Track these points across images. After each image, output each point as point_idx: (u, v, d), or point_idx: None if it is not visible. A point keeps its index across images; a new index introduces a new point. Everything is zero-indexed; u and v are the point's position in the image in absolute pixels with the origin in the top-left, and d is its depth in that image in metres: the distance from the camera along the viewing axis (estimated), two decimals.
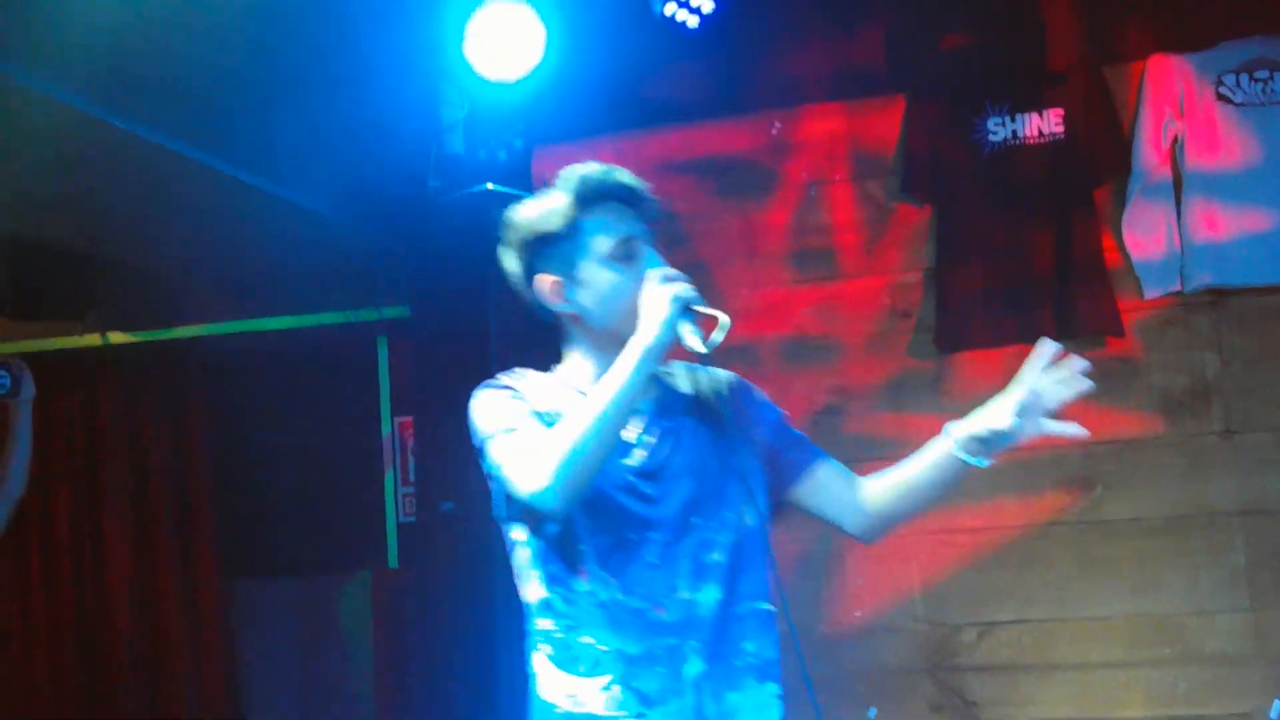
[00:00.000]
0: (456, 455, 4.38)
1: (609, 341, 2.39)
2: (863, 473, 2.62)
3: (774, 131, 4.70)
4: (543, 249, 2.44)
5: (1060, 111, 4.42)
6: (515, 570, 2.44)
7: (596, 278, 2.41)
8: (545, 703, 2.35)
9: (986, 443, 2.44)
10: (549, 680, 2.35)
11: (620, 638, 2.31)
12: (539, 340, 4.42)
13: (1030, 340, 4.29)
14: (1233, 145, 4.27)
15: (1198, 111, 4.31)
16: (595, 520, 2.34)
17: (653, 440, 2.42)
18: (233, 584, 5.60)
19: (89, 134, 3.74)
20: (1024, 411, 2.43)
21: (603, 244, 2.41)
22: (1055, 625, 4.33)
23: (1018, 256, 4.40)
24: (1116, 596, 4.29)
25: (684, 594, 2.35)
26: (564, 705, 2.33)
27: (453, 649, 4.36)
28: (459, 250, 4.42)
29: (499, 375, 2.46)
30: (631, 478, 2.38)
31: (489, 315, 4.41)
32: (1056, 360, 2.48)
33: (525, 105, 4.45)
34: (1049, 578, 4.35)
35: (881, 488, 2.52)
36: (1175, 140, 4.35)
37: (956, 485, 2.49)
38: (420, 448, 4.92)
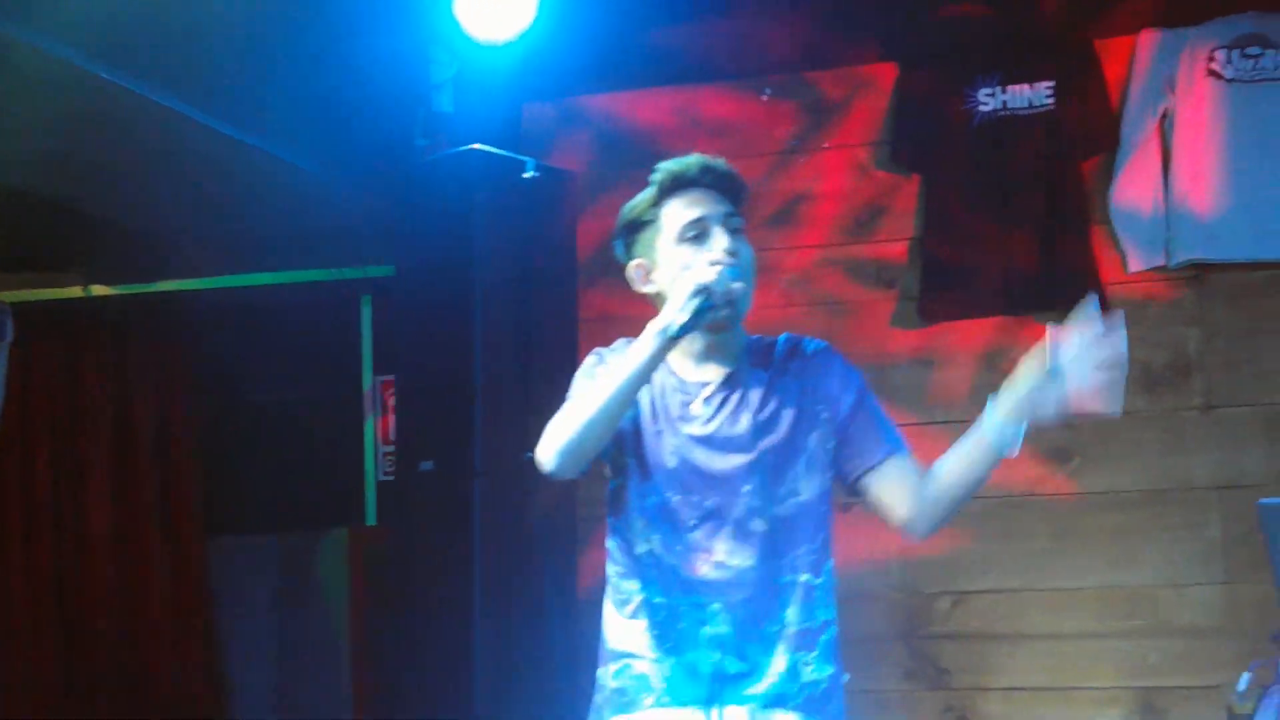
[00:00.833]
0: (437, 414, 4.41)
1: None
2: None
3: (764, 97, 4.70)
4: (631, 236, 2.60)
5: (1051, 84, 4.42)
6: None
7: (670, 259, 2.54)
8: (605, 637, 2.60)
9: (1021, 425, 2.47)
10: (608, 617, 2.59)
11: (656, 589, 2.53)
12: (522, 302, 4.45)
13: (1014, 311, 4.39)
14: (1222, 121, 4.27)
15: (1188, 87, 4.32)
16: (646, 480, 2.53)
17: (714, 409, 2.55)
18: (212, 539, 5.61)
19: (77, 87, 3.72)
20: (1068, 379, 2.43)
21: (675, 226, 2.53)
22: (1029, 595, 4.37)
23: (1004, 227, 4.41)
24: (1091, 568, 4.33)
25: (719, 557, 2.50)
26: (611, 641, 2.58)
27: (430, 607, 4.37)
28: (445, 210, 4.40)
29: (617, 342, 2.59)
30: (689, 443, 2.53)
31: (473, 275, 4.39)
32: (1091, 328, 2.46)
33: (515, 65, 4.44)
34: (1024, 548, 4.38)
35: (941, 487, 2.56)
36: (1165, 115, 4.35)
37: (997, 463, 2.52)
38: (401, 406, 4.91)
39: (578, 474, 2.48)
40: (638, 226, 2.58)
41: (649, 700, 2.51)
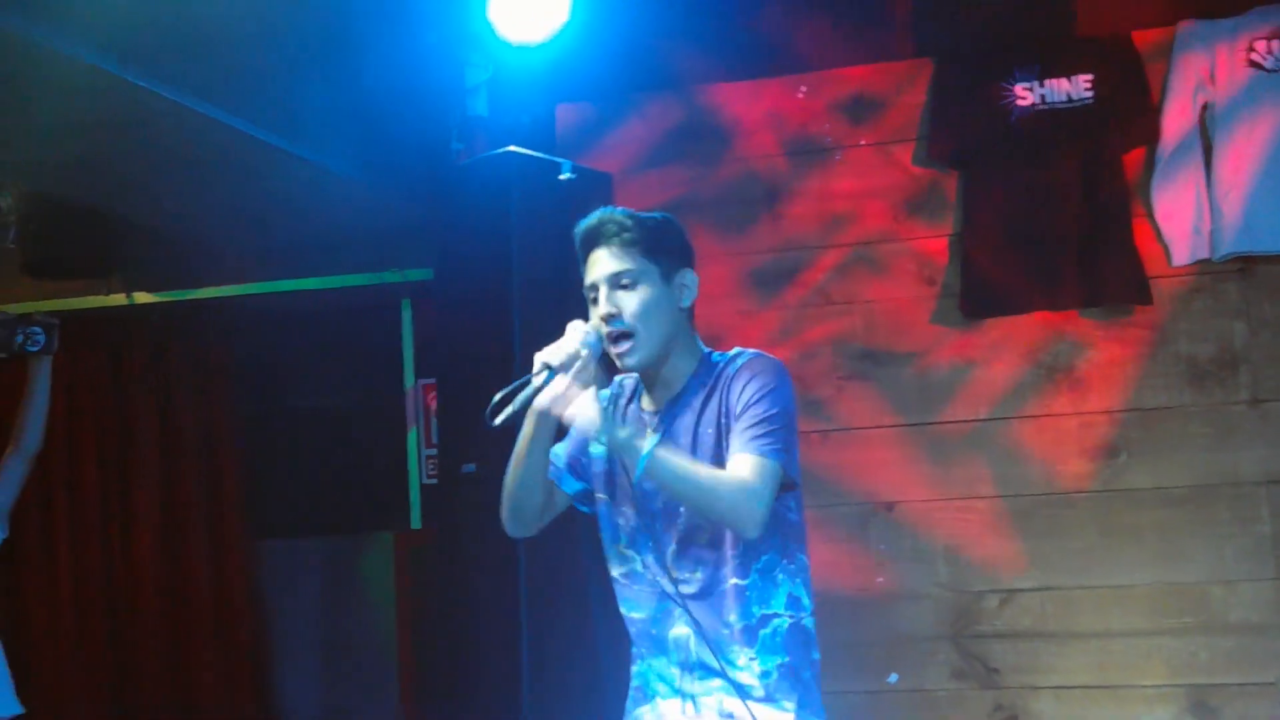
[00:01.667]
0: (478, 418, 4.40)
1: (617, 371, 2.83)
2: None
3: (800, 95, 4.68)
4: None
5: (1089, 77, 4.37)
6: None
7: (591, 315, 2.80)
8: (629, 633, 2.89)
9: None
10: (625, 617, 2.87)
11: (632, 604, 2.83)
12: (561, 302, 4.44)
13: (1057, 307, 4.35)
14: (1263, 113, 4.22)
15: (1229, 78, 4.26)
16: (610, 509, 2.83)
17: (662, 431, 2.76)
18: (258, 544, 5.63)
19: (116, 95, 3.73)
20: None
21: (584, 289, 2.80)
22: (1078, 593, 4.33)
23: (1044, 222, 4.37)
24: (1140, 565, 4.28)
25: (675, 572, 2.74)
26: (631, 640, 2.88)
27: (474, 609, 4.37)
28: (483, 212, 4.40)
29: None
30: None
31: (512, 277, 4.39)
32: None
33: (549, 67, 4.44)
34: (1072, 545, 4.34)
35: None
36: (1205, 107, 4.30)
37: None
38: (443, 410, 4.92)
39: (533, 532, 2.87)
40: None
41: (663, 689, 2.80)
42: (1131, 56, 4.37)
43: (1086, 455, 4.34)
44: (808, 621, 2.77)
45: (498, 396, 2.64)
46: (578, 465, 2.90)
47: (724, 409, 2.70)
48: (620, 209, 2.78)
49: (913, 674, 4.43)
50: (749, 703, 2.70)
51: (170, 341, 5.58)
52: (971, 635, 4.40)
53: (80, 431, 5.56)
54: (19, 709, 4.17)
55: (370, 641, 5.59)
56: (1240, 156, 4.24)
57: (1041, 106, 4.42)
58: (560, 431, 2.78)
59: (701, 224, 4.21)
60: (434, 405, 5.34)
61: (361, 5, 4.27)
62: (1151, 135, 4.33)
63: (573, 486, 2.91)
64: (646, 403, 2.82)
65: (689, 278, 2.78)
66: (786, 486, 2.69)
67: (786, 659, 2.73)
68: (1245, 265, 4.27)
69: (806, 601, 2.78)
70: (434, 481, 5.33)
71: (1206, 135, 4.30)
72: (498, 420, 2.62)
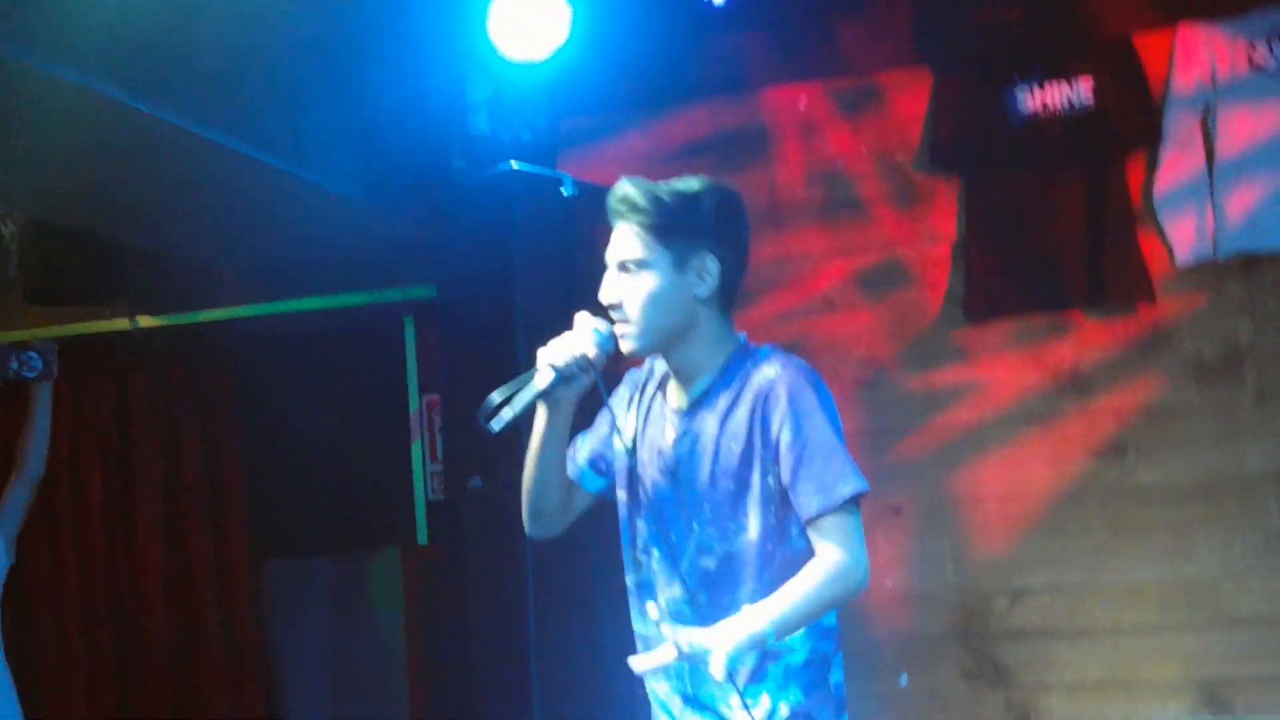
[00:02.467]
0: (484, 433, 4.40)
1: None
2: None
3: (800, 106, 4.69)
4: None
5: (1089, 80, 4.40)
6: None
7: None
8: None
9: None
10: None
11: (638, 618, 2.64)
12: (564, 317, 4.45)
13: (1060, 308, 4.36)
14: (1265, 112, 4.25)
15: (1229, 79, 4.29)
16: (629, 511, 2.64)
17: (682, 437, 2.56)
18: (264, 564, 5.63)
19: (116, 120, 3.73)
20: None
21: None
22: (1088, 591, 4.35)
23: (1047, 226, 4.40)
24: (1149, 562, 4.30)
25: (674, 591, 2.54)
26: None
27: (483, 624, 4.38)
28: (484, 229, 4.43)
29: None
30: (658, 475, 2.57)
31: (514, 293, 4.41)
32: None
33: (550, 84, 4.45)
34: (1081, 544, 4.36)
35: None
36: (1207, 108, 4.33)
37: None
38: (448, 426, 4.93)
39: (557, 531, 2.70)
40: None
41: (677, 705, 2.61)
42: (1132, 59, 4.39)
43: (1093, 454, 4.36)
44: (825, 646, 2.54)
45: (496, 397, 2.48)
46: (600, 462, 2.70)
47: (759, 433, 2.47)
48: (644, 181, 2.57)
49: (923, 675, 4.44)
50: None
51: (174, 365, 5.58)
52: (981, 635, 4.42)
53: (85, 456, 5.55)
54: None
55: (380, 659, 5.58)
56: (1243, 157, 4.27)
57: (1043, 111, 4.44)
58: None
59: None
60: (438, 421, 5.34)
61: (362, 25, 4.27)
62: (1153, 137, 4.36)
63: (595, 484, 2.71)
64: (673, 396, 2.59)
65: (710, 264, 2.51)
66: None
67: (800, 699, 2.51)
68: (1249, 263, 4.30)
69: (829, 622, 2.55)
70: (440, 498, 5.34)
71: (1208, 136, 4.32)
72: (497, 426, 2.45)
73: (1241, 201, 4.25)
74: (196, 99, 3.82)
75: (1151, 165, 4.37)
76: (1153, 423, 4.33)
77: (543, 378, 2.48)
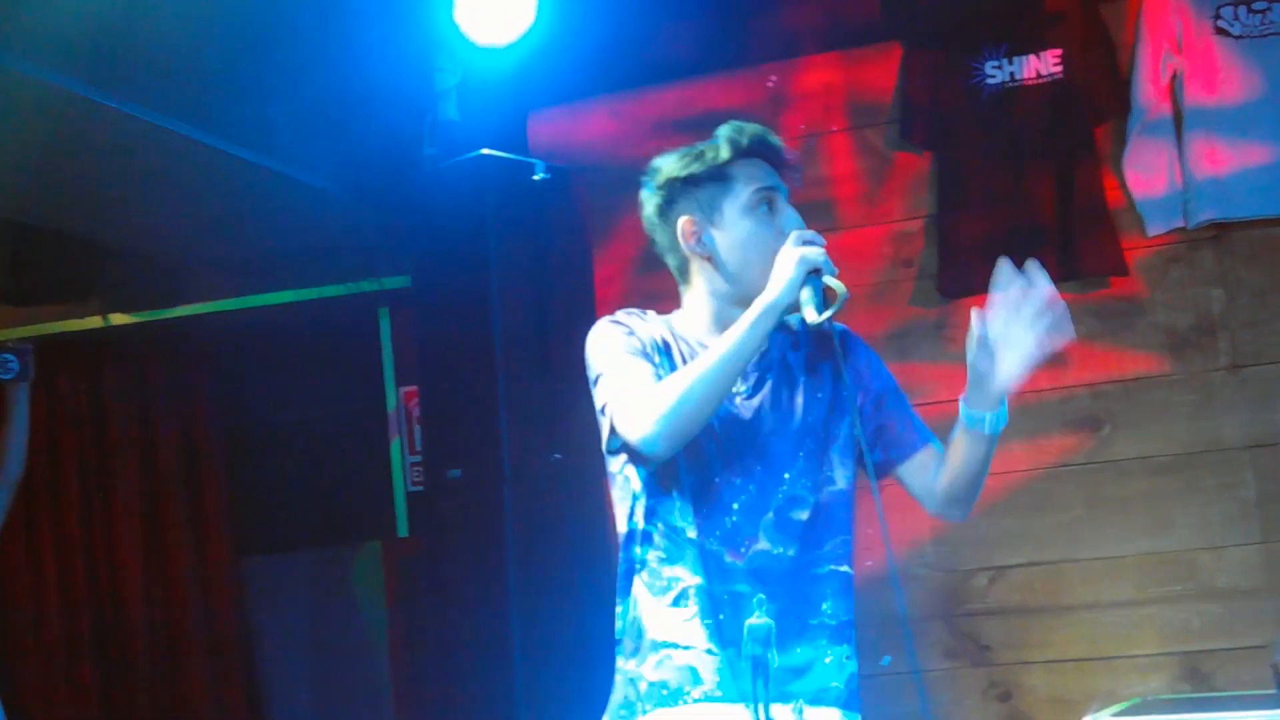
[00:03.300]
0: (462, 422, 4.42)
1: (731, 290, 2.46)
2: None
3: (770, 85, 4.69)
4: (687, 190, 2.49)
5: (1058, 52, 4.39)
6: (616, 500, 2.52)
7: (736, 224, 2.46)
8: (642, 627, 2.44)
9: (988, 397, 2.42)
10: (645, 606, 2.43)
11: (700, 575, 2.39)
12: (540, 303, 4.45)
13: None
14: (1233, 78, 4.24)
15: (1196, 46, 4.29)
16: (691, 460, 2.40)
17: (758, 391, 2.47)
18: (244, 560, 5.62)
19: (84, 116, 3.72)
20: (998, 349, 2.42)
21: (746, 192, 2.47)
22: (1066, 567, 4.35)
23: (1019, 199, 4.39)
24: (1127, 535, 4.30)
25: (761, 545, 2.40)
26: (653, 632, 2.42)
27: (466, 615, 4.38)
28: (457, 217, 4.41)
29: (620, 312, 2.52)
30: (731, 425, 2.43)
31: (490, 281, 4.40)
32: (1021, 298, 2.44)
33: (519, 69, 4.44)
34: (1059, 519, 4.36)
35: (941, 472, 2.55)
36: (1174, 76, 4.32)
37: (993, 447, 2.48)
38: (426, 416, 4.92)
39: (671, 454, 2.33)
40: (694, 182, 2.49)
41: (696, 693, 2.37)
42: (1099, 29, 4.39)
43: (1070, 429, 4.36)
44: None
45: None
46: None
47: (841, 377, 2.45)
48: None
49: (905, 655, 4.44)
50: (834, 708, 2.43)
51: (149, 361, 5.57)
52: (962, 614, 4.42)
53: (62, 455, 5.53)
54: None
55: (362, 652, 5.58)
56: (1210, 124, 4.27)
57: (1011, 83, 4.44)
58: None
59: None
60: (416, 412, 5.33)
61: (327, 15, 4.26)
62: (1122, 107, 4.35)
63: None
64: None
65: None
66: None
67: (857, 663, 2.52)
68: (1220, 232, 4.30)
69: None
70: (420, 489, 5.33)
71: (1177, 104, 4.33)
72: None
73: (1211, 169, 4.24)
74: (164, 93, 3.81)
75: (1121, 135, 4.37)
76: (1128, 396, 4.33)
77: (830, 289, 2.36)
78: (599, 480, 4.33)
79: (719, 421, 2.40)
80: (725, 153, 2.48)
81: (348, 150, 4.51)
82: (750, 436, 2.43)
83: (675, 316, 2.55)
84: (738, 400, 2.45)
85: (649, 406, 2.29)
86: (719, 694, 2.37)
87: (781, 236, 2.43)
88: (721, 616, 2.38)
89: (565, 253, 4.46)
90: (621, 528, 2.50)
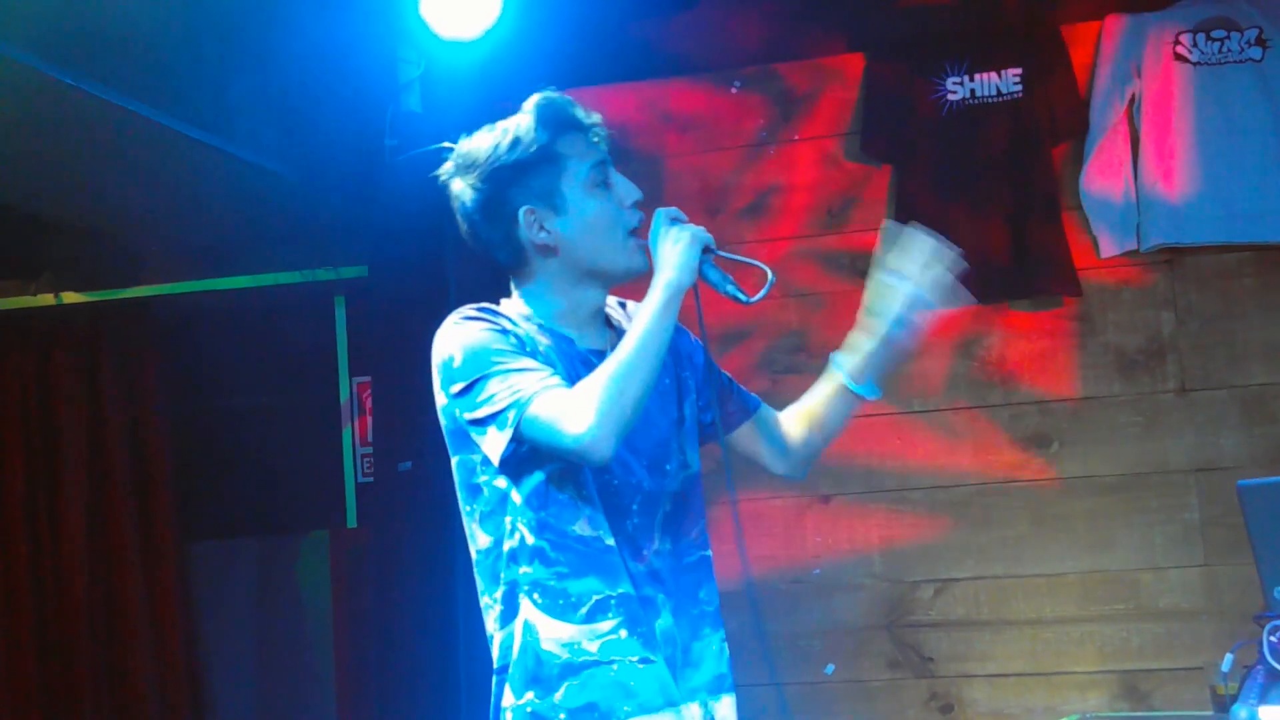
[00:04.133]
0: (415, 415, 4.37)
1: (581, 274, 2.34)
2: None
3: (733, 90, 4.69)
4: (517, 176, 2.32)
5: (1018, 71, 4.42)
6: (478, 515, 2.31)
7: (580, 206, 2.32)
8: (543, 653, 2.23)
9: (877, 360, 2.46)
10: (546, 630, 2.23)
11: (611, 585, 2.23)
12: (497, 298, 4.43)
13: (987, 300, 4.40)
14: (1190, 105, 4.29)
15: (1155, 71, 4.33)
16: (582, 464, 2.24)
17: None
18: (190, 545, 5.57)
19: (40, 92, 3.68)
20: (900, 310, 2.45)
21: (583, 169, 2.32)
22: (1011, 582, 4.38)
23: (975, 216, 4.41)
24: (1071, 553, 4.34)
25: (657, 544, 2.31)
26: (563, 655, 2.23)
27: (411, 607, 4.36)
28: (416, 209, 4.38)
29: (469, 307, 2.33)
30: None
31: (447, 274, 4.38)
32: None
33: (484, 62, 4.42)
34: (1005, 535, 4.39)
35: (800, 428, 2.51)
36: (1132, 99, 4.36)
37: (855, 413, 2.50)
38: (378, 408, 4.90)
39: (615, 450, 2.16)
40: (526, 165, 2.31)
41: (630, 707, 2.20)
42: (1060, 50, 4.42)
43: (1018, 445, 4.39)
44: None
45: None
46: None
47: (673, 358, 2.39)
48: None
49: (849, 664, 4.46)
50: (729, 695, 2.35)
51: (100, 342, 5.50)
52: (906, 625, 4.44)
53: (6, 433, 5.47)
54: None
55: (306, 641, 5.54)
56: (1166, 149, 4.31)
57: (971, 100, 4.46)
58: None
59: None
60: (369, 402, 5.31)
61: (291, 1, 4.23)
62: (1080, 128, 4.39)
63: None
64: (588, 339, 2.36)
65: None
66: None
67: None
68: (1172, 256, 4.34)
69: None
70: (370, 480, 5.30)
71: (1133, 128, 4.36)
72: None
73: (1165, 193, 4.28)
74: (120, 71, 3.77)
75: (1078, 156, 4.40)
76: (1076, 415, 4.37)
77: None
78: None
79: None
80: (545, 132, 2.32)
81: (308, 137, 4.48)
82: (642, 430, 2.28)
83: (511, 309, 2.37)
84: None
85: (585, 404, 2.13)
86: (656, 703, 2.22)
87: (626, 209, 2.34)
88: (641, 626, 2.24)
89: None
90: (483, 544, 2.30)
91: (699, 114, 4.71)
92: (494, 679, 2.30)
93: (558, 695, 2.21)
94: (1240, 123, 4.24)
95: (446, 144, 4.19)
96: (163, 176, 4.48)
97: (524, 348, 2.24)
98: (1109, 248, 4.34)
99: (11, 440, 5.47)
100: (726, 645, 2.38)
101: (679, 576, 2.32)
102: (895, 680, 4.43)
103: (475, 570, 2.34)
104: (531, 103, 2.37)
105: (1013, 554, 4.38)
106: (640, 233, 2.36)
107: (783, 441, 2.50)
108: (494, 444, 2.20)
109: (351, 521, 5.42)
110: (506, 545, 2.26)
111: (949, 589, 4.42)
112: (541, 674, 2.22)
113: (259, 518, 5.62)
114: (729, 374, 2.56)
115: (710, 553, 2.39)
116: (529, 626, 2.23)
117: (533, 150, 2.31)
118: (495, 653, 2.30)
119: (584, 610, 2.21)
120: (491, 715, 2.30)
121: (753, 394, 2.54)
